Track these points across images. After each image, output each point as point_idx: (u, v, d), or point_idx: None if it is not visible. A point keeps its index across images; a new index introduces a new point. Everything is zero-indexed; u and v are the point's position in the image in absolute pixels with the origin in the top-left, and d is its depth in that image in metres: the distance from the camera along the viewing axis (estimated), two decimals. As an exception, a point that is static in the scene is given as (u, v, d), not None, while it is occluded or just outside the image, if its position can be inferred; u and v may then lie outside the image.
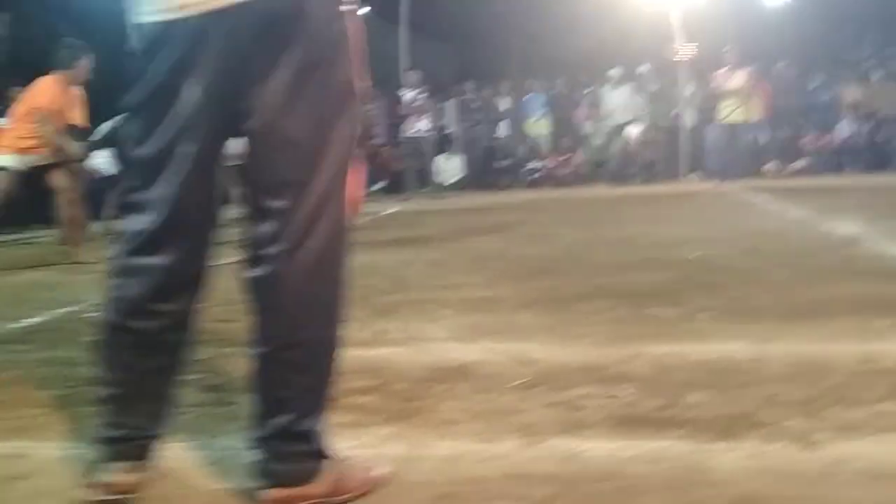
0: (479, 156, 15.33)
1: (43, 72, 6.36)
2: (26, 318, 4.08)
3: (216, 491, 1.81)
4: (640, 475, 1.76)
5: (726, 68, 12.30)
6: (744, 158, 12.60)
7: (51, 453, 2.11)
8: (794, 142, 14.21)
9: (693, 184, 12.39)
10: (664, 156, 14.00)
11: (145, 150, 1.62)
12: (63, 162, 6.53)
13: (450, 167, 14.71)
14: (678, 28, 14.01)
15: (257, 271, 1.63)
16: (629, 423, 2.10)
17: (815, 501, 1.63)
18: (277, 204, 1.60)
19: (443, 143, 14.66)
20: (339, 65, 1.62)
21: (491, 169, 15.01)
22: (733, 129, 12.29)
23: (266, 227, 1.62)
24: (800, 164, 13.59)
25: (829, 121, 14.34)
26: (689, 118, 13.83)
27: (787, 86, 14.26)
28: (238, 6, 1.51)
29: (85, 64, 6.38)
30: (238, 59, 1.54)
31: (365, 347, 2.92)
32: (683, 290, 3.80)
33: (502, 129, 15.32)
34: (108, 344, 1.70)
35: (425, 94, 13.45)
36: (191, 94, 1.55)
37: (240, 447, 2.05)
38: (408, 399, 2.41)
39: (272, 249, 1.61)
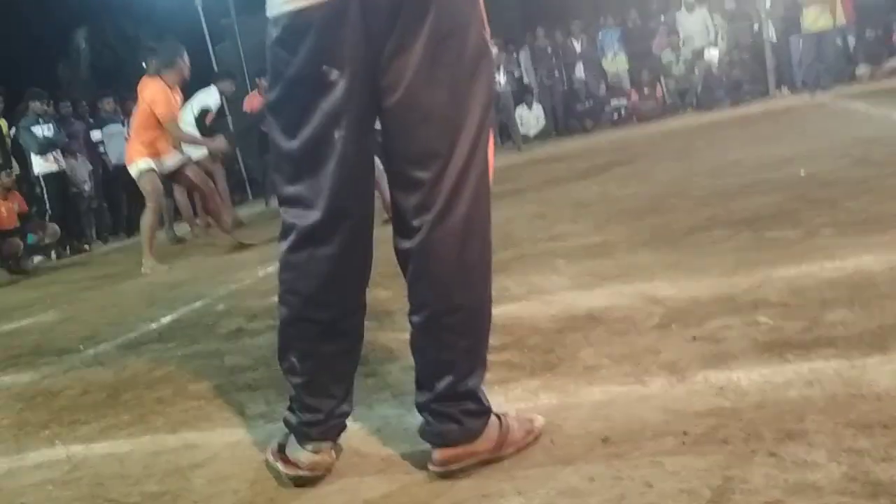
0: (559, 101, 15.13)
1: (125, 79, 6.51)
2: (161, 317, 4.28)
3: (388, 457, 1.88)
4: (799, 398, 1.76)
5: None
6: (834, 65, 12.11)
7: (220, 440, 2.24)
8: (885, 40, 13.54)
9: (785, 99, 11.98)
10: (750, 74, 13.56)
11: (297, 143, 1.65)
12: (189, 161, 6.83)
13: (531, 117, 14.59)
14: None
15: (410, 242, 1.67)
16: (775, 348, 2.08)
17: None
18: (423, 175, 1.62)
19: (521, 94, 14.52)
20: (472, 30, 1.63)
21: (573, 113, 14.78)
22: (820, 37, 11.80)
23: (414, 199, 1.64)
24: (893, 62, 12.95)
25: (920, 12, 13.62)
26: (771, 31, 13.32)
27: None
28: None
29: (185, 62, 6.52)
30: (376, 37, 1.56)
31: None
32: (800, 208, 3.72)
33: (579, 71, 15.05)
34: (291, 335, 1.78)
35: (497, 48, 13.30)
36: (337, 78, 1.58)
37: (397, 414, 2.13)
38: (546, 351, 2.44)
39: (422, 219, 1.64)
